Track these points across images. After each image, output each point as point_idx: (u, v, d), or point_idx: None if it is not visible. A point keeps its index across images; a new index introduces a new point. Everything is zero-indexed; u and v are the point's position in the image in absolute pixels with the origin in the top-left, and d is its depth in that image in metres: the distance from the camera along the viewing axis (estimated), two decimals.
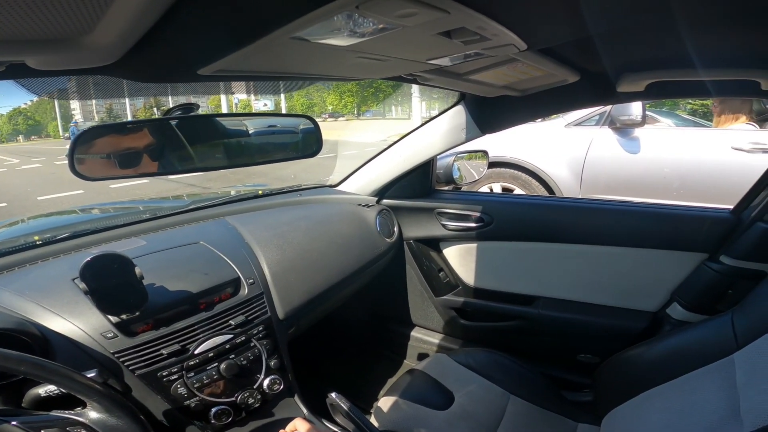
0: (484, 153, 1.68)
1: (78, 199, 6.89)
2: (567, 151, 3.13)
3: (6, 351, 0.56)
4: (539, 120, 3.41)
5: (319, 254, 1.20)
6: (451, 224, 1.48)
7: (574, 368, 1.39)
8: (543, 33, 0.59)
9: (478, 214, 1.43)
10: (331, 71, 0.71)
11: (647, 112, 3.02)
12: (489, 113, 1.25)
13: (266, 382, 0.92)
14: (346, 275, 1.23)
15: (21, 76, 0.51)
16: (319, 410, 0.99)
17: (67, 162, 0.67)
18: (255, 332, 0.94)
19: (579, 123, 3.18)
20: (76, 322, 0.77)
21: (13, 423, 0.58)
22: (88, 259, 0.73)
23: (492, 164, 1.64)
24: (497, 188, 3.25)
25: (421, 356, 1.67)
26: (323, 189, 1.59)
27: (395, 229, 1.52)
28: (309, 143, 0.87)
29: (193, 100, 0.82)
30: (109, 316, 0.79)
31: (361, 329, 1.84)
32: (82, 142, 0.70)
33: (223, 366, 0.86)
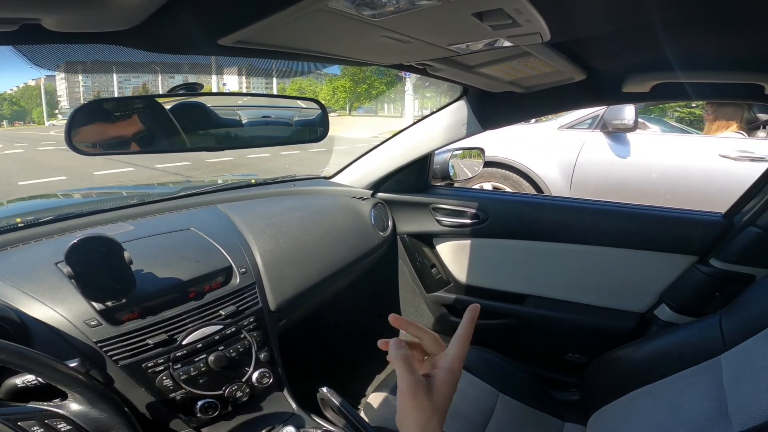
0: (481, 151, 1.67)
1: (61, 184, 6.72)
2: (559, 153, 3.15)
3: None
4: (533, 121, 3.42)
5: (313, 245, 1.18)
6: (446, 220, 1.47)
7: (563, 367, 1.40)
8: (570, 23, 0.59)
9: (473, 211, 1.43)
10: (352, 51, 0.69)
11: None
12: (492, 109, 1.24)
13: (255, 375, 0.90)
14: (340, 268, 1.21)
15: (33, 40, 0.47)
16: (308, 406, 0.97)
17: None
18: (245, 323, 0.91)
19: (572, 126, 3.21)
20: (58, 308, 0.73)
21: None
22: (75, 241, 0.70)
23: (484, 164, 1.66)
24: (488, 187, 3.26)
25: None
26: (318, 180, 1.56)
27: (389, 223, 1.51)
28: (315, 128, 0.85)
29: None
30: (94, 303, 0.75)
31: (350, 325, 1.82)
32: (80, 117, 0.67)
33: (211, 358, 0.84)
